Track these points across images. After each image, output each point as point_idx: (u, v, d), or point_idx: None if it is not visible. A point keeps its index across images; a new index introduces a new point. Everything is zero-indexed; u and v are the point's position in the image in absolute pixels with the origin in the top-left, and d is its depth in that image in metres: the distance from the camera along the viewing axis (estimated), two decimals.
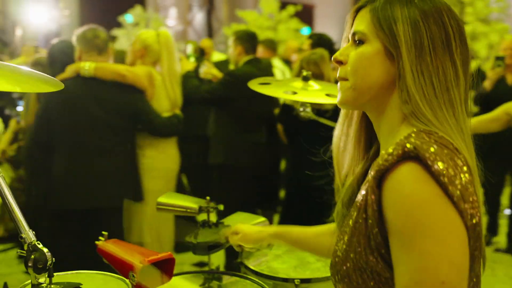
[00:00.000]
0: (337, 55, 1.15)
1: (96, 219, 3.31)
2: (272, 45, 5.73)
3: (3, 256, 4.76)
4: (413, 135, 1.01)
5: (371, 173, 1.02)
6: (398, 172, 0.97)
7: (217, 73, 4.37)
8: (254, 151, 4.15)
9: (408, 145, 0.97)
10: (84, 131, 3.24)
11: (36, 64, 4.44)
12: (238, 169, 4.08)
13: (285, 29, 10.87)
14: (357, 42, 1.12)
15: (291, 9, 11.29)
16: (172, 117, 3.52)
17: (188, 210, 1.97)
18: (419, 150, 0.96)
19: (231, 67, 4.69)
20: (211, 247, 1.88)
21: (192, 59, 5.06)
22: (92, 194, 3.26)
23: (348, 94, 1.13)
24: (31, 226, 1.31)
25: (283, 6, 11.64)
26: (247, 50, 4.26)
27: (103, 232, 1.85)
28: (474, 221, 0.97)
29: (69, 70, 3.27)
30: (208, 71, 4.39)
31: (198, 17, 18.14)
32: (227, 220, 2.05)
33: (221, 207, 2.05)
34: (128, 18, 13.09)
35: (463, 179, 0.97)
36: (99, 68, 3.20)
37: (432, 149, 0.97)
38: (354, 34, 1.13)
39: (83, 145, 3.24)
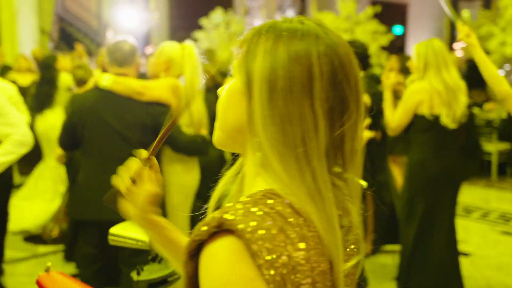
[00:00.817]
0: (220, 90, 1.03)
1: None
2: None
3: (54, 258, 4.91)
4: (247, 199, 0.86)
5: (187, 241, 0.87)
6: (213, 246, 0.82)
7: None
8: None
9: (226, 216, 0.82)
10: (103, 142, 3.25)
11: (80, 67, 4.62)
12: None
13: (362, 31, 10.51)
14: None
15: (369, 11, 10.91)
16: (197, 136, 3.44)
17: (139, 243, 1.88)
18: (237, 223, 0.80)
19: None
20: (153, 285, 1.78)
21: None
22: (107, 207, 3.25)
23: (216, 134, 1.01)
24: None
25: (374, 5, 11.19)
26: None
27: (47, 264, 1.82)
28: None
29: (91, 82, 3.32)
30: None
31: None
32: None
33: None
34: (216, 18, 13.22)
35: (293, 257, 0.81)
36: (116, 83, 3.20)
37: (253, 223, 0.81)
38: None
39: (103, 156, 3.26)
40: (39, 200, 5.59)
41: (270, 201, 0.85)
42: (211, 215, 0.84)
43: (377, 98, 3.94)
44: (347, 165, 0.95)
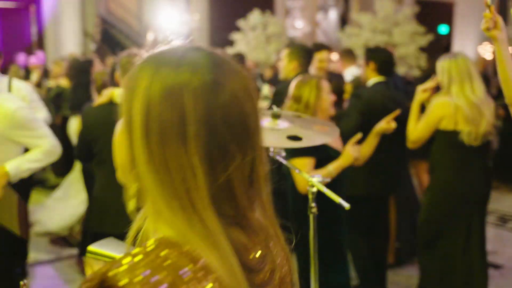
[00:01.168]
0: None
1: None
2: (347, 55, 5.49)
3: (73, 262, 4.96)
4: (138, 250, 0.79)
5: None
6: None
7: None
8: None
9: (109, 272, 0.76)
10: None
11: (103, 73, 4.71)
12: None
13: (401, 32, 10.23)
14: None
15: (407, 11, 10.62)
16: None
17: None
18: (119, 279, 0.75)
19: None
20: None
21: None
22: (123, 220, 3.23)
23: (117, 168, 0.94)
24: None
25: (424, 5, 10.90)
26: (302, 65, 4.04)
27: (21, 282, 1.80)
28: None
29: (105, 96, 3.30)
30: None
31: (332, 18, 17.86)
32: None
33: None
34: (254, 20, 13.18)
35: None
36: None
37: (139, 279, 0.74)
38: None
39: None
40: (72, 201, 5.67)
41: (163, 252, 0.79)
42: (94, 272, 0.78)
43: (395, 103, 3.79)
44: (250, 205, 0.88)
